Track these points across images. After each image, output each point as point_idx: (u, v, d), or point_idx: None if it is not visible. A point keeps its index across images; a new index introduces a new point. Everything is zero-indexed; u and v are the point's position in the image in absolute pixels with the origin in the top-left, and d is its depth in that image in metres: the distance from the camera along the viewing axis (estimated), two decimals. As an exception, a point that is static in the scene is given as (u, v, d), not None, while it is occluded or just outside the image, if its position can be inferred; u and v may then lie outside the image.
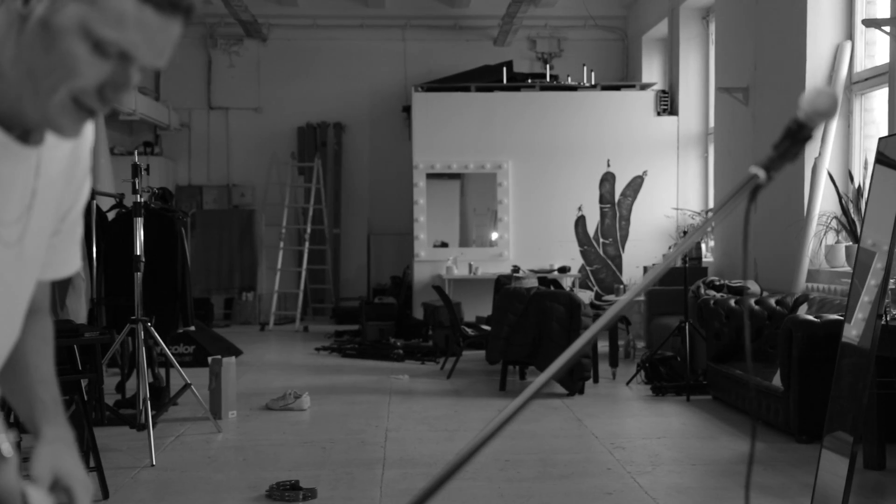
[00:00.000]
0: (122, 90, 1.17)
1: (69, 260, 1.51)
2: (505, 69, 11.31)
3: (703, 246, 9.43)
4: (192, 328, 6.61)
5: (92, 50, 1.14)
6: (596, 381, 7.53)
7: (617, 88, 11.20)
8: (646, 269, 9.72)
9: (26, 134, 1.26)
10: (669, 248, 9.98)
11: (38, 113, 1.19)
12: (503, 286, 8.01)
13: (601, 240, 10.92)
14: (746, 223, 1.51)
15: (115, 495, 4.57)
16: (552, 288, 8.50)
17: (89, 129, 1.42)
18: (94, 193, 6.78)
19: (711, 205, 9.48)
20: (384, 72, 12.75)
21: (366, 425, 6.13)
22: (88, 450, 4.77)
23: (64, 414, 1.49)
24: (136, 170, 5.49)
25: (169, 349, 7.28)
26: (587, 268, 10.84)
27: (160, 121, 12.07)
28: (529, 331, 7.12)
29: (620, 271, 10.70)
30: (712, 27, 10.14)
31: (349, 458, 5.31)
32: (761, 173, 1.45)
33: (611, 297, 9.98)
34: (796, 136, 1.40)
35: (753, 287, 7.42)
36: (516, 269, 10.38)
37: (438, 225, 11.08)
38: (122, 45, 1.14)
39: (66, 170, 1.37)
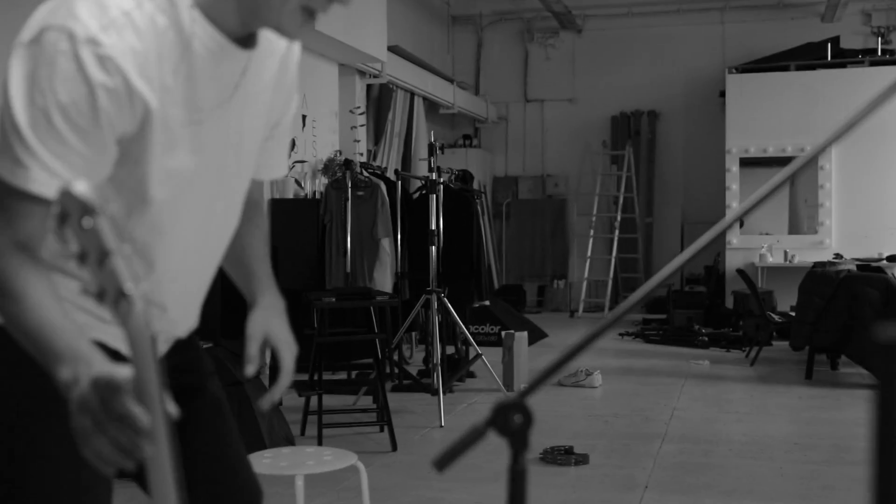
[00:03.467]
0: None
1: (278, 165, 1.76)
2: (829, 46, 10.58)
3: None
4: (487, 303, 6.87)
5: None
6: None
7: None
8: None
9: (244, 40, 1.50)
10: None
11: (273, 20, 1.41)
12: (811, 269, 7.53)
13: (939, 226, 9.88)
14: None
15: (402, 448, 4.90)
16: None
17: (297, 46, 1.66)
18: (401, 176, 7.28)
19: None
20: (701, 56, 12.41)
21: (654, 404, 6.05)
22: (382, 407, 5.15)
23: (276, 287, 1.75)
24: (431, 149, 5.82)
25: (475, 329, 7.64)
26: (922, 257, 9.86)
27: (479, 114, 12.61)
28: (838, 316, 6.63)
29: (962, 260, 9.62)
30: None
31: (629, 431, 5.29)
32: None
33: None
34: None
35: None
36: (838, 256, 9.68)
37: (760, 212, 10.61)
38: None
39: (274, 77, 1.60)
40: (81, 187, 1.20)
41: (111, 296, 1.22)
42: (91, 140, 1.37)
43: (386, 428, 5.03)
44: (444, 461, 1.49)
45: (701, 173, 12.19)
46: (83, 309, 1.50)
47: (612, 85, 12.67)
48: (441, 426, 5.41)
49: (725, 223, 1.31)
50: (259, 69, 1.55)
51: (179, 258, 1.61)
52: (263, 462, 2.86)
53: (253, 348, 1.63)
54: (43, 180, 1.35)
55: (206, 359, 1.84)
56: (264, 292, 1.73)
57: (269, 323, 1.68)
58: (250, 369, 1.61)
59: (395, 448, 4.89)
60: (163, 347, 1.66)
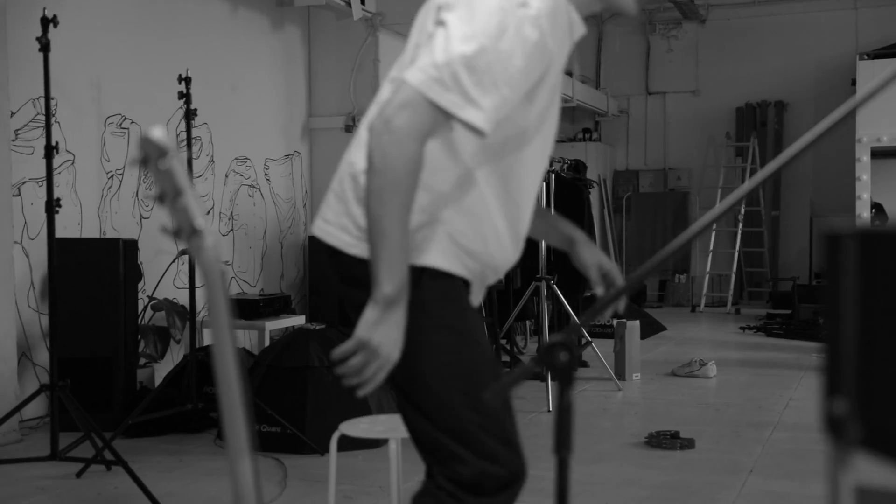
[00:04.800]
0: None
1: None
2: (970, 28, 10.07)
3: None
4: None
5: None
6: None
7: None
8: None
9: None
10: None
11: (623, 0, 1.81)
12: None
13: None
14: None
15: (508, 430, 4.97)
16: None
17: None
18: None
19: None
20: (831, 44, 11.99)
21: (769, 394, 5.92)
22: (490, 389, 5.23)
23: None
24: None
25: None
26: None
27: (599, 108, 12.53)
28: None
29: None
30: None
31: (740, 419, 5.20)
32: None
33: None
34: None
35: None
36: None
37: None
38: None
39: None
40: (158, 133, 1.33)
41: (186, 232, 1.35)
42: (513, 85, 1.64)
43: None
44: (496, 393, 1.56)
45: (831, 164, 11.77)
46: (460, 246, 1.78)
47: (737, 75, 12.38)
48: (549, 411, 5.45)
49: (715, 213, 1.34)
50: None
51: (527, 195, 1.86)
52: (361, 427, 2.97)
53: (594, 274, 2.02)
54: (473, 112, 1.61)
55: None
56: (574, 229, 2.07)
57: (596, 252, 2.03)
58: (599, 290, 2.00)
59: (501, 429, 4.96)
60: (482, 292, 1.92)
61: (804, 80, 12.16)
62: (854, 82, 11.20)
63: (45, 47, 3.97)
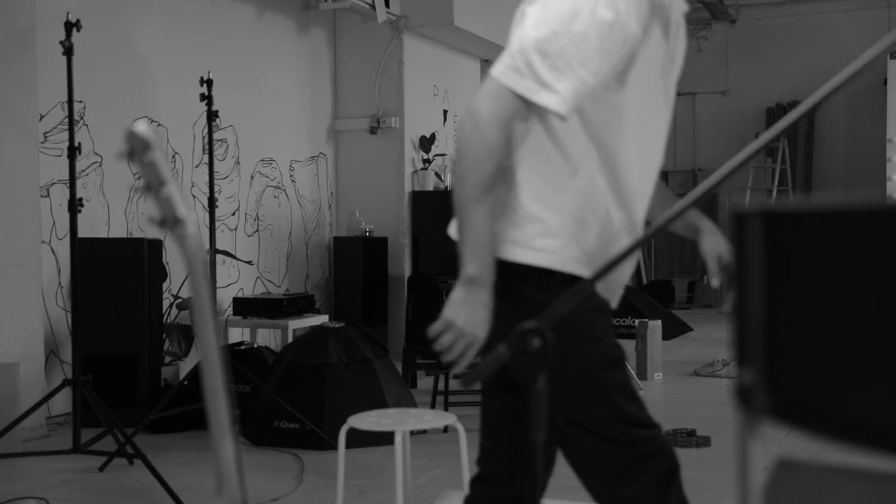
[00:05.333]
0: None
1: None
2: None
3: None
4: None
5: None
6: None
7: None
8: None
9: None
10: None
11: None
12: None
13: None
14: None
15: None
16: None
17: None
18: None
19: None
20: (864, 44, 11.80)
21: (791, 394, 5.90)
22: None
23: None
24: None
25: (616, 321, 7.64)
26: None
27: (628, 109, 12.51)
28: None
29: None
30: None
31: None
32: None
33: None
34: None
35: None
36: None
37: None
38: None
39: None
40: (142, 127, 1.39)
41: (170, 220, 1.41)
42: (591, 67, 1.66)
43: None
44: (469, 380, 1.61)
45: (863, 165, 11.67)
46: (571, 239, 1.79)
47: (768, 75, 12.31)
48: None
49: (704, 186, 1.37)
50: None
51: (637, 178, 1.89)
52: (369, 420, 3.03)
53: (712, 264, 1.99)
54: (549, 96, 1.65)
55: None
56: (702, 219, 2.06)
57: (718, 242, 2.01)
58: (715, 282, 1.98)
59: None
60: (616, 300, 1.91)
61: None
62: (886, 82, 11.09)
63: (68, 51, 4.07)
